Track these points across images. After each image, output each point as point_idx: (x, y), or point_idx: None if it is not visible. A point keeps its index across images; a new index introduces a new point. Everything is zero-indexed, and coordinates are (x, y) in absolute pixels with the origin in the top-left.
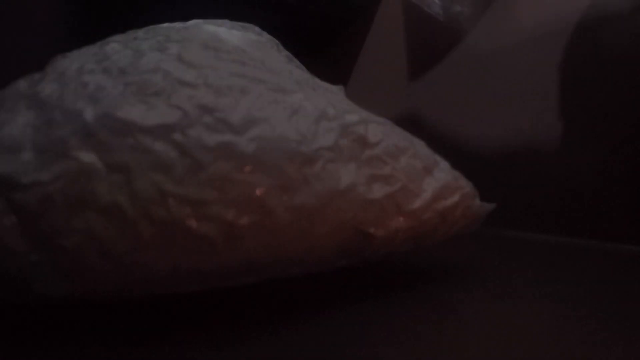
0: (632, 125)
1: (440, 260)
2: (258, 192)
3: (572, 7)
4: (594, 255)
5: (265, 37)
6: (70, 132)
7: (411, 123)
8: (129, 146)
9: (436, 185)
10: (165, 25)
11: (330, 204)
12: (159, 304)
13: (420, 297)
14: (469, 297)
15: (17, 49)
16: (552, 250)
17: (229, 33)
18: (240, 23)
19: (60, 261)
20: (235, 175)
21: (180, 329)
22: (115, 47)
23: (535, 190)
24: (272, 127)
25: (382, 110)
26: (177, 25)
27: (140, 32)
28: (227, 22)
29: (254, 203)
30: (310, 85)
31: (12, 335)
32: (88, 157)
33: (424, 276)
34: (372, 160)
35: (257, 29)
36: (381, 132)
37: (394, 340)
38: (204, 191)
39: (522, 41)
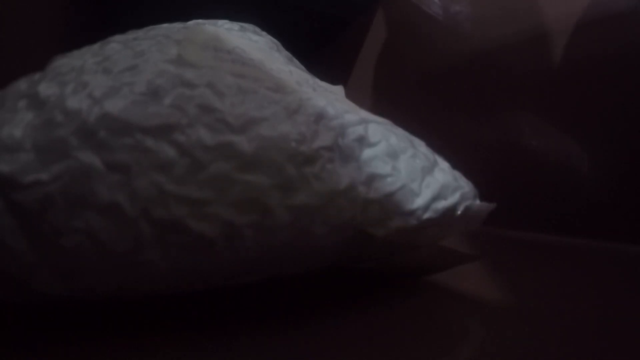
0: (632, 125)
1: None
2: (258, 192)
3: (573, 6)
4: (594, 255)
5: (265, 37)
6: (70, 132)
7: (411, 123)
8: (129, 146)
9: (436, 185)
10: (165, 25)
11: (330, 203)
12: (159, 304)
13: (420, 297)
14: (469, 297)
15: (17, 49)
16: (552, 250)
17: (229, 33)
18: (240, 23)
19: (60, 261)
20: (235, 175)
21: (180, 329)
22: (115, 47)
23: (536, 190)
24: (272, 126)
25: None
26: (177, 25)
27: (140, 32)
28: (227, 22)
29: (254, 203)
30: (310, 85)
31: (12, 335)
32: (88, 157)
33: (423, 276)
34: (372, 160)
35: (257, 29)
36: (381, 132)
37: (394, 339)
38: (204, 191)
39: (522, 41)
